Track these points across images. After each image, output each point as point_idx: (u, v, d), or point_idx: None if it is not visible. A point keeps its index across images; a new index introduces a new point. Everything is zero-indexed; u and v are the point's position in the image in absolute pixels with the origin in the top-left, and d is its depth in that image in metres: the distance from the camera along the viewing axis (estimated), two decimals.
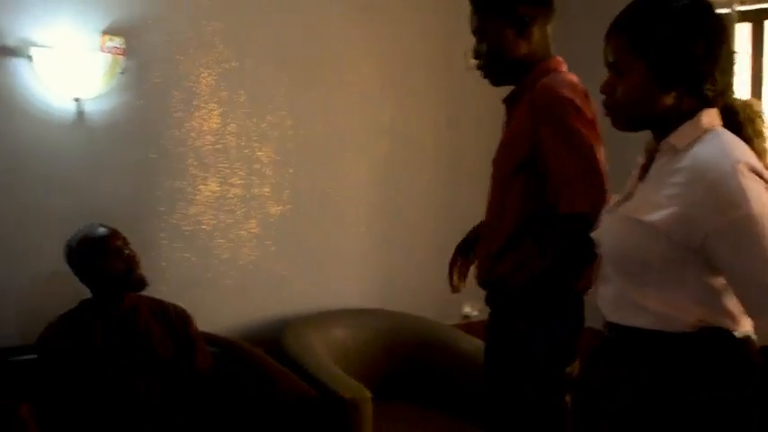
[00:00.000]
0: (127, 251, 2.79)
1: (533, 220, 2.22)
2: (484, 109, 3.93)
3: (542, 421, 2.26)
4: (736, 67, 1.73)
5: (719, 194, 1.55)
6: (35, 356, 2.67)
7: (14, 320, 2.94)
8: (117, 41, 3.05)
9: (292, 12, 3.57)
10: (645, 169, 1.79)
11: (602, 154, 2.18)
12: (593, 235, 1.87)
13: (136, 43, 3.14)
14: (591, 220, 1.98)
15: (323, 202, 3.75)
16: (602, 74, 1.78)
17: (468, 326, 4.02)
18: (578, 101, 2.15)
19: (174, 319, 2.91)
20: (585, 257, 2.11)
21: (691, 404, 1.64)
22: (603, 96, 1.77)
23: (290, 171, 3.63)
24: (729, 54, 1.69)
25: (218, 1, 3.36)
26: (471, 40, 2.41)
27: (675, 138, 1.67)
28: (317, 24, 3.65)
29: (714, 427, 1.63)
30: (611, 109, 1.76)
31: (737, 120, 1.72)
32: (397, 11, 3.87)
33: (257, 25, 3.48)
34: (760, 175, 1.58)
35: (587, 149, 2.12)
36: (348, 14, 3.73)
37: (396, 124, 3.94)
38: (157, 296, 2.96)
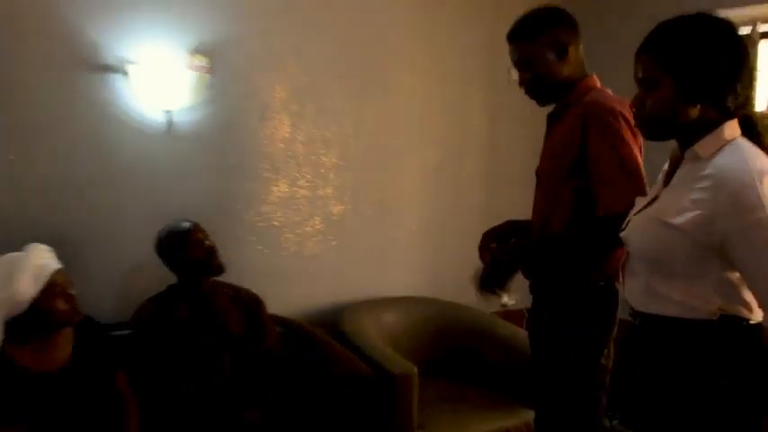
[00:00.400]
0: (207, 243, 2.81)
1: (580, 221, 2.17)
2: (521, 124, 3.95)
3: (576, 408, 2.25)
4: (755, 82, 1.74)
5: (739, 201, 1.56)
6: (129, 331, 2.72)
7: (113, 301, 2.98)
8: (202, 60, 3.09)
9: (355, 34, 3.58)
10: (669, 175, 1.79)
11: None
12: (621, 235, 1.86)
13: (219, 62, 3.16)
14: (622, 222, 1.97)
15: (379, 203, 3.76)
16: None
17: (506, 314, 3.87)
18: (626, 112, 2.09)
19: (248, 303, 2.94)
20: (604, 253, 2.15)
21: (712, 387, 1.65)
22: (634, 110, 1.77)
23: (351, 175, 3.65)
24: (749, 70, 1.68)
25: (289, 26, 3.37)
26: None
27: (700, 147, 1.67)
28: (377, 46, 3.66)
29: (732, 407, 1.64)
30: (641, 120, 1.77)
31: (756, 130, 1.71)
32: (447, 35, 3.86)
33: (324, 47, 3.48)
34: None
35: (630, 155, 2.07)
36: (404, 37, 3.73)
37: (444, 133, 3.93)
38: (234, 283, 2.99)
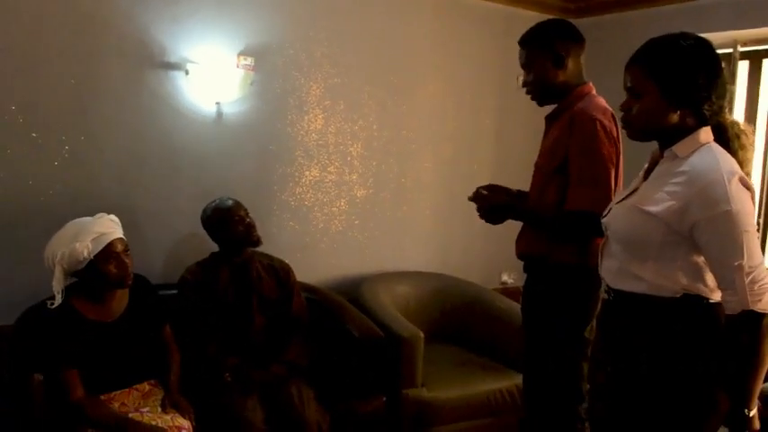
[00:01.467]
0: (247, 219, 2.83)
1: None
2: (526, 123, 3.91)
3: (560, 374, 2.27)
4: (728, 94, 1.73)
5: (709, 194, 1.58)
6: (175, 291, 2.77)
7: (162, 265, 3.03)
8: (249, 60, 3.12)
9: (382, 42, 3.58)
10: (648, 171, 1.81)
11: (619, 168, 2.18)
12: (603, 220, 1.88)
13: (263, 62, 3.20)
14: (591, 218, 2.01)
15: (398, 188, 3.76)
16: (619, 93, 1.80)
17: (505, 290, 4.02)
18: (606, 122, 2.13)
19: (279, 271, 2.94)
20: (582, 240, 2.18)
21: (673, 356, 1.68)
22: (622, 113, 1.78)
23: (374, 164, 3.66)
24: (723, 83, 1.69)
25: (325, 33, 3.38)
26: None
27: (678, 148, 1.69)
28: (401, 52, 3.66)
29: (689, 374, 1.67)
30: (628, 123, 1.77)
31: (726, 135, 1.73)
32: (462, 42, 3.85)
33: (355, 51, 3.49)
34: (747, 187, 1.61)
35: (600, 163, 2.11)
36: (426, 45, 3.73)
37: (458, 131, 3.93)
38: (268, 253, 3.01)
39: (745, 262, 1.57)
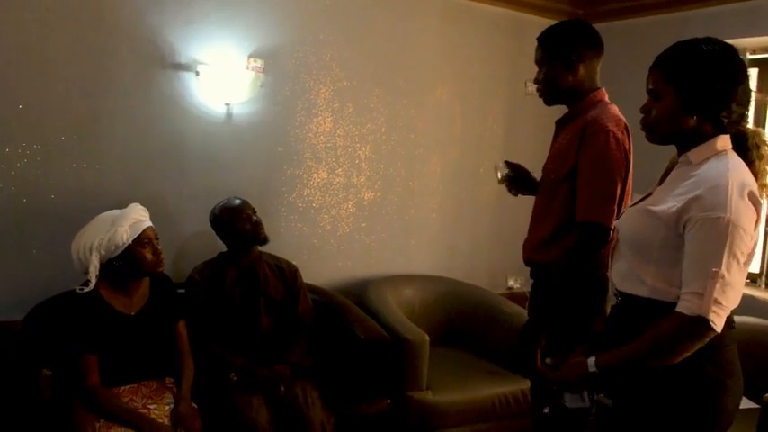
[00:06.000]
0: (255, 218, 2.84)
1: (572, 221, 2.18)
2: (534, 128, 3.94)
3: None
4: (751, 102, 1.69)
5: (709, 197, 1.56)
6: (183, 290, 2.76)
7: (169, 265, 2.97)
8: (259, 62, 3.12)
9: (391, 46, 3.59)
10: (664, 176, 1.79)
11: (629, 179, 2.16)
12: (615, 223, 1.87)
13: (272, 64, 3.20)
14: (599, 229, 2.03)
15: (405, 191, 3.76)
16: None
17: (511, 295, 4.00)
18: (619, 134, 2.11)
19: (286, 272, 2.95)
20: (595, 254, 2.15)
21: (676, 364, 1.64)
22: (642, 115, 1.76)
23: (382, 166, 3.66)
24: (745, 91, 1.66)
25: (335, 36, 3.39)
26: (531, 72, 2.39)
27: (692, 154, 1.67)
28: (410, 57, 3.66)
29: (685, 381, 1.64)
30: (647, 126, 1.75)
31: (746, 145, 1.70)
32: (471, 47, 3.86)
33: (364, 55, 3.50)
34: (755, 203, 1.58)
35: (611, 177, 2.10)
36: (434, 50, 3.73)
37: (465, 135, 3.92)
38: (276, 253, 3.02)
39: (722, 272, 1.53)
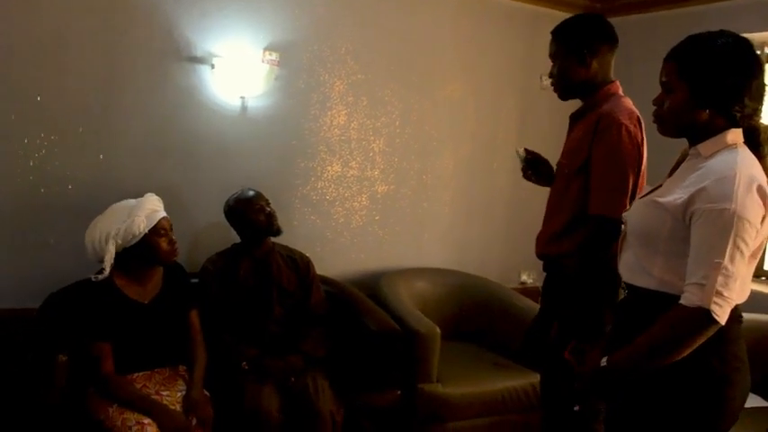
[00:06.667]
0: (268, 209, 2.86)
1: (585, 214, 2.18)
2: (548, 122, 3.91)
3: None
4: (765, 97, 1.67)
5: (715, 188, 1.55)
6: (196, 281, 2.79)
7: (184, 256, 2.93)
8: (274, 56, 3.14)
9: (406, 40, 3.58)
10: (675, 168, 1.78)
11: (642, 173, 2.15)
12: (623, 215, 1.87)
13: (288, 58, 3.22)
14: (612, 222, 2.01)
15: (419, 185, 3.76)
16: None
17: (524, 289, 3.99)
18: (632, 127, 2.11)
19: (299, 263, 2.97)
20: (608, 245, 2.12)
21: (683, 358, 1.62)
22: (654, 107, 1.75)
23: (396, 160, 3.66)
24: (760, 86, 1.64)
25: (350, 30, 3.40)
26: (546, 67, 2.39)
27: (702, 147, 1.66)
28: (424, 51, 3.65)
29: (691, 376, 1.63)
30: (659, 118, 1.74)
31: (758, 139, 1.68)
32: (486, 41, 3.84)
33: (378, 48, 3.50)
34: (763, 197, 1.56)
35: (624, 171, 2.09)
36: (448, 45, 3.72)
37: (479, 130, 3.91)
38: (289, 245, 3.04)
39: (725, 263, 1.52)
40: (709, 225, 1.55)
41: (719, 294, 1.52)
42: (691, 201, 1.59)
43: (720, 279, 1.52)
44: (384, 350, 2.90)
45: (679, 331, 1.56)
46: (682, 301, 1.56)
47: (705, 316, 1.53)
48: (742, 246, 1.54)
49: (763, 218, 1.59)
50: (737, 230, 1.52)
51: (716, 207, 1.54)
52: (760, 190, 1.56)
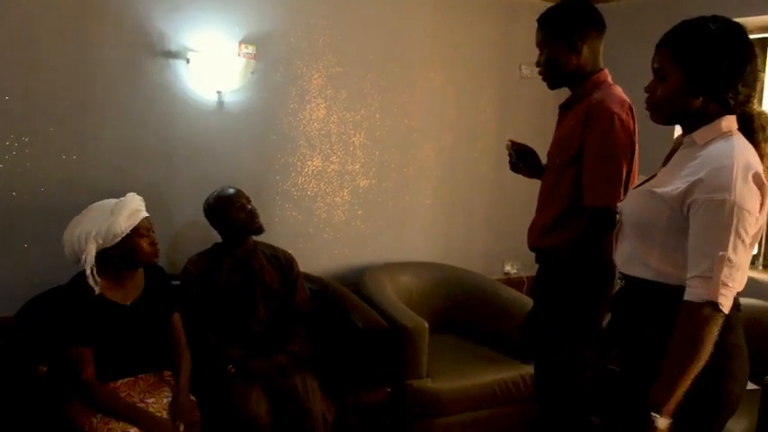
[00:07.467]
0: (249, 207, 2.81)
1: (578, 205, 2.16)
2: (528, 112, 3.91)
3: (571, 365, 2.23)
4: (759, 83, 1.66)
5: (713, 179, 1.54)
6: (178, 282, 2.73)
7: (163, 257, 2.88)
8: (250, 49, 3.07)
9: (384, 31, 3.54)
10: (669, 157, 1.78)
11: (634, 161, 2.13)
12: (618, 205, 1.86)
13: (264, 50, 3.15)
14: (607, 213, 1.99)
15: (400, 178, 3.73)
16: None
17: (508, 280, 4.00)
18: (624, 116, 2.09)
19: (283, 261, 2.92)
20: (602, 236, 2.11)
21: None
22: (647, 95, 1.74)
23: (377, 153, 3.62)
24: (753, 72, 1.63)
25: (327, 20, 3.34)
26: (525, 55, 2.36)
27: (697, 135, 1.65)
28: (403, 41, 3.61)
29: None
30: (652, 105, 1.73)
31: (752, 126, 1.67)
32: (464, 30, 3.80)
33: (356, 40, 3.45)
34: (759, 185, 1.56)
35: (617, 160, 2.07)
36: (427, 35, 3.68)
37: (459, 120, 3.88)
38: (271, 243, 2.99)
39: (729, 255, 1.52)
40: (709, 216, 1.54)
41: (725, 285, 1.53)
42: (689, 191, 1.58)
43: (725, 271, 1.52)
44: (372, 347, 2.87)
45: (697, 331, 1.55)
46: (689, 298, 1.56)
47: (714, 308, 1.53)
48: (743, 235, 1.54)
49: (761, 205, 1.59)
50: (738, 221, 1.52)
51: (715, 197, 1.53)
52: (756, 177, 1.56)
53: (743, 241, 1.54)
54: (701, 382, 1.62)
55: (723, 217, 1.52)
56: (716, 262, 1.52)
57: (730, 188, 1.52)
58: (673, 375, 1.57)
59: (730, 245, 1.52)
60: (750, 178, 1.55)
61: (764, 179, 1.58)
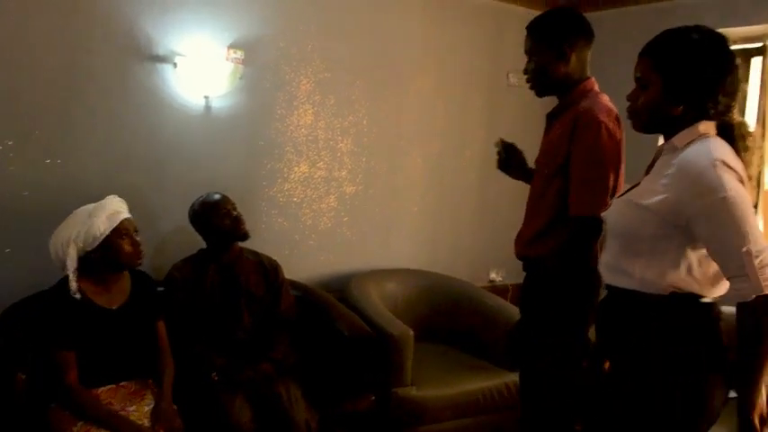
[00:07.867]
0: (235, 213, 2.78)
1: (564, 215, 2.15)
2: (516, 120, 3.91)
3: (558, 374, 2.22)
4: (739, 93, 1.67)
5: (699, 184, 1.55)
6: (163, 288, 2.70)
7: (148, 262, 2.86)
8: (239, 54, 3.05)
9: (373, 38, 3.54)
10: (651, 165, 1.78)
11: (621, 171, 2.13)
12: (602, 214, 1.87)
13: (253, 56, 3.13)
14: (593, 222, 2.00)
15: (387, 185, 3.72)
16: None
17: (493, 287, 4.01)
18: (611, 125, 2.08)
19: (268, 268, 2.90)
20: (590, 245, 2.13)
21: (661, 355, 1.64)
22: (628, 103, 1.75)
23: (364, 160, 3.61)
24: (734, 81, 1.64)
25: (316, 27, 3.33)
26: (513, 63, 2.35)
27: (677, 139, 1.66)
28: (392, 48, 3.61)
29: (680, 375, 1.63)
30: (633, 113, 1.74)
31: (732, 135, 1.68)
32: (453, 38, 3.81)
33: (345, 46, 3.44)
34: (733, 170, 1.57)
35: (604, 169, 2.07)
36: (415, 42, 3.68)
37: (447, 127, 3.88)
38: (256, 250, 2.97)
39: (751, 246, 1.52)
40: (716, 221, 1.55)
41: (762, 272, 1.52)
42: (680, 202, 1.59)
43: (756, 262, 1.52)
44: (357, 355, 2.85)
45: (763, 327, 1.53)
46: (739, 300, 1.55)
47: (765, 299, 1.52)
48: (752, 220, 1.55)
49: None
50: (741, 211, 1.53)
51: (712, 200, 1.54)
52: (727, 165, 1.57)
53: (755, 226, 1.55)
54: (685, 392, 1.64)
55: (729, 214, 1.53)
56: (742, 258, 1.52)
57: (721, 185, 1.53)
58: (754, 377, 1.56)
59: (748, 237, 1.53)
60: (729, 169, 1.56)
61: (744, 178, 1.60)
